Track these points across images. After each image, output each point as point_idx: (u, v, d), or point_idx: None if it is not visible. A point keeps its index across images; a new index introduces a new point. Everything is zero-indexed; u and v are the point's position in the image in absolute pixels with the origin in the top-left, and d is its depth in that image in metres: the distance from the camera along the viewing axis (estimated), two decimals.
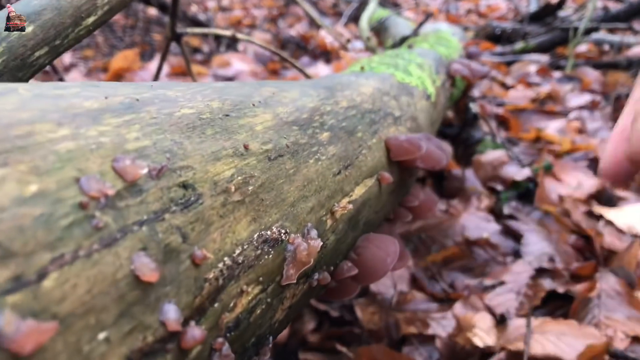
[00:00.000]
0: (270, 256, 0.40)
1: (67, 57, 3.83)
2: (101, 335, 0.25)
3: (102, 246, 0.27)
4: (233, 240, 0.36)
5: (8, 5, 0.89)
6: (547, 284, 1.08)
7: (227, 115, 0.44)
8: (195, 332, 0.30)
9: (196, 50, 3.98)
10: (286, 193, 0.45)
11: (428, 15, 1.85)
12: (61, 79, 1.25)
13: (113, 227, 0.28)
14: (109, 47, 3.72)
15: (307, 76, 1.41)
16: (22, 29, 0.79)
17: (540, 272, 1.11)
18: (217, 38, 4.15)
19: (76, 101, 0.33)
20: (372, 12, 2.20)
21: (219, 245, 0.35)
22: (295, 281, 0.42)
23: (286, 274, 0.41)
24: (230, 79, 3.24)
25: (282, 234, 0.42)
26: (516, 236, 1.26)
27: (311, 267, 0.46)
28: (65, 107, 0.32)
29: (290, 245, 0.42)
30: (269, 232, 0.40)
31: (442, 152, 0.81)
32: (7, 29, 0.83)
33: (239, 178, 0.39)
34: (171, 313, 0.29)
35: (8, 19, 0.80)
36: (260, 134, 0.46)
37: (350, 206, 0.55)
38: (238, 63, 3.44)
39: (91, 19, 0.60)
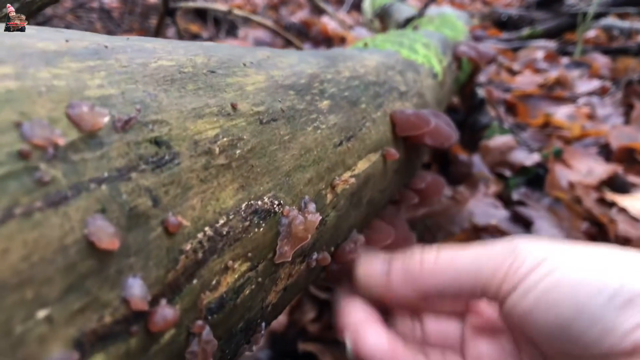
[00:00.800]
0: (261, 229, 0.35)
1: None
2: (41, 313, 0.20)
3: (47, 205, 0.22)
4: (216, 209, 0.31)
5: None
6: None
7: (212, 72, 0.39)
8: (167, 312, 0.25)
9: (195, 36, 3.92)
10: (280, 161, 0.40)
11: None
12: None
13: (63, 182, 0.23)
14: (107, 33, 3.66)
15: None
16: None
17: None
18: (217, 24, 4.08)
19: (28, 41, 0.28)
20: None
21: (199, 213, 0.29)
22: (290, 259, 0.37)
23: (280, 251, 0.36)
24: None
25: (275, 205, 0.36)
26: (526, 223, 1.21)
27: (309, 244, 0.41)
28: (12, 45, 0.26)
29: (285, 218, 0.37)
30: (259, 202, 0.35)
31: (451, 129, 0.76)
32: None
33: (225, 139, 0.34)
34: (136, 289, 0.24)
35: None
36: (251, 95, 0.41)
37: (353, 180, 0.50)
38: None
39: None
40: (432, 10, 2.39)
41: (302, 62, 0.57)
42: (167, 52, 0.37)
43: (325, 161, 0.46)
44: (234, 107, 0.37)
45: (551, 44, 2.75)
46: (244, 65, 0.44)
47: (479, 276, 0.42)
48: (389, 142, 0.66)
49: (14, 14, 1.00)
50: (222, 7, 1.11)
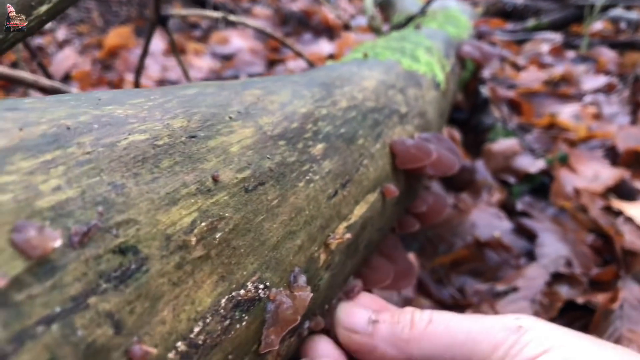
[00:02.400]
0: (244, 323, 0.32)
1: (61, 33, 3.71)
2: None
3: None
4: (191, 315, 0.28)
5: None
6: (565, 291, 1.00)
7: (192, 137, 0.35)
8: None
9: (194, 26, 3.85)
10: (267, 233, 0.36)
11: None
12: (40, 64, 1.16)
13: (1, 337, 0.19)
14: (104, 23, 3.60)
15: (308, 61, 1.31)
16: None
17: (556, 278, 1.03)
18: (217, 10, 4.01)
19: None
20: None
21: (170, 327, 0.26)
22: (277, 346, 0.34)
23: (265, 341, 0.33)
24: (228, 56, 3.13)
25: (260, 291, 0.33)
26: (530, 235, 1.18)
27: (299, 323, 0.38)
28: None
29: (271, 303, 0.34)
30: (242, 292, 0.32)
31: (454, 155, 0.72)
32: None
33: (203, 225, 0.31)
34: None
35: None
36: (236, 158, 0.37)
37: (349, 235, 0.47)
38: (237, 40, 3.32)
39: (44, 8, 0.51)
40: (436, 2, 2.32)
41: (294, 97, 0.53)
42: (140, 120, 0.33)
43: (318, 219, 0.43)
44: (215, 179, 0.33)
45: (557, 37, 2.68)
46: (230, 118, 0.41)
47: (475, 349, 0.39)
48: (389, 176, 0.63)
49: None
50: (216, 14, 1.07)
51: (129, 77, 2.49)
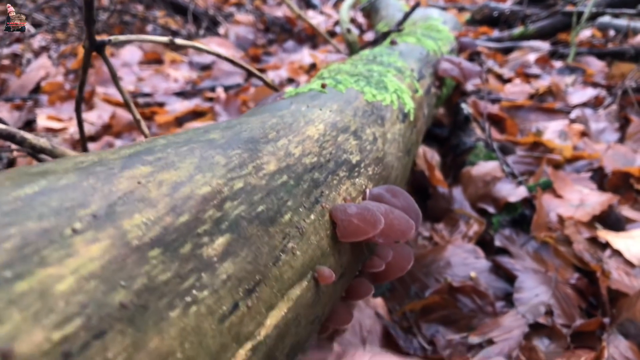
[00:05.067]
0: None
1: (37, 41, 3.59)
2: None
3: None
4: None
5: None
6: (544, 345, 0.90)
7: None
8: None
9: (174, 33, 3.73)
10: None
11: (416, 5, 1.63)
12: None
13: None
14: (79, 31, 3.48)
15: (272, 87, 1.21)
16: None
17: (535, 328, 0.94)
18: (196, 19, 3.89)
19: None
20: None
21: None
22: None
23: None
24: (207, 66, 3.02)
25: None
26: (509, 275, 1.08)
27: None
28: None
29: None
30: None
31: (409, 215, 0.62)
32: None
33: None
34: None
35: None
36: (61, 302, 0.27)
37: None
38: (217, 49, 3.20)
39: None
40: (419, 10, 2.22)
41: (199, 170, 0.43)
42: None
43: (199, 357, 0.33)
44: (6, 357, 0.23)
45: (544, 45, 2.60)
46: (73, 231, 0.30)
47: None
48: (325, 253, 0.53)
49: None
50: (162, 39, 0.97)
51: (101, 90, 2.38)
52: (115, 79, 0.97)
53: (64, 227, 0.30)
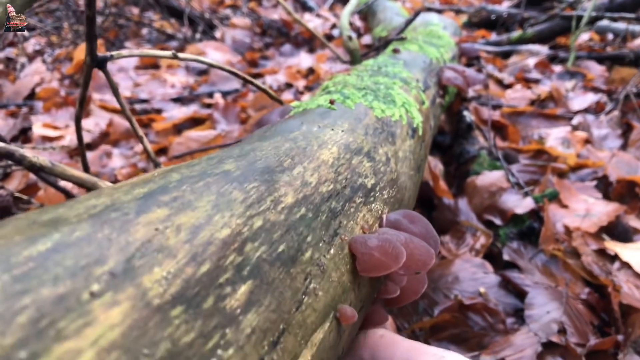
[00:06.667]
0: None
1: (32, 43, 3.54)
2: None
3: None
4: None
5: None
6: None
7: None
8: None
9: (170, 37, 3.70)
10: None
11: (417, 13, 1.61)
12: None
13: None
14: (74, 34, 3.43)
15: (272, 97, 1.18)
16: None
17: (548, 347, 0.92)
18: (192, 23, 3.86)
19: None
20: (355, 5, 1.95)
21: None
22: None
23: None
24: (204, 71, 2.98)
25: None
26: (518, 290, 1.07)
27: None
28: None
29: None
30: None
31: (428, 243, 0.60)
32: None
33: None
34: None
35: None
36: None
37: None
38: (213, 53, 3.18)
39: None
40: (417, 18, 2.21)
41: (218, 209, 0.41)
42: None
43: None
44: None
45: (543, 49, 2.59)
46: (91, 295, 0.28)
47: None
48: (346, 288, 0.51)
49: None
50: (165, 53, 0.94)
51: (98, 96, 2.34)
52: (116, 94, 0.94)
53: (81, 291, 0.28)
